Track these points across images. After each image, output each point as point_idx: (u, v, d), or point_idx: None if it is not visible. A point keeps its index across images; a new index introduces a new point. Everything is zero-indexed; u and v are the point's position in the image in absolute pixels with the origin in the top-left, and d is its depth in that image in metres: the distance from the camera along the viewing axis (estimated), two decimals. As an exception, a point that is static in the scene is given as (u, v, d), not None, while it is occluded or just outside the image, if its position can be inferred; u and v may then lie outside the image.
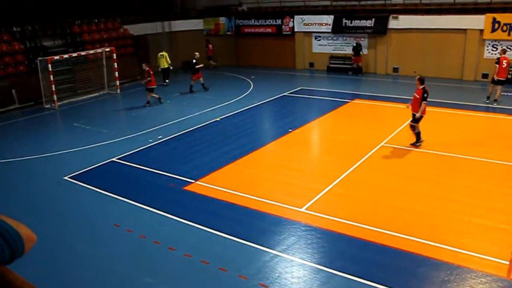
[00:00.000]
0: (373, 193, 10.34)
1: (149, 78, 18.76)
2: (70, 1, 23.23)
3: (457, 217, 9.10)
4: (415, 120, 12.84)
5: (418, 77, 13.08)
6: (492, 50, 21.03)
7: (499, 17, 20.38)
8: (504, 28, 20.32)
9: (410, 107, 12.99)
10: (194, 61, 21.07)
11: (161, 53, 23.70)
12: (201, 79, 21.47)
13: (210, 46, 27.66)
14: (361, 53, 24.11)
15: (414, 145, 12.96)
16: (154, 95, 19.48)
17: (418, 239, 8.26)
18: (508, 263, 7.48)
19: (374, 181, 11.03)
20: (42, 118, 18.93)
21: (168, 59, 23.83)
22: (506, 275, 7.19)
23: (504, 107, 16.67)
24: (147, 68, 18.72)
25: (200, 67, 21.35)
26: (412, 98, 13.06)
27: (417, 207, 9.58)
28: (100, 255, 8.45)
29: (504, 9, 20.67)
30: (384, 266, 7.63)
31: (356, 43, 24.01)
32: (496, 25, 20.49)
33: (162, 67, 23.67)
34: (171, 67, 24.00)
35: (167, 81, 23.95)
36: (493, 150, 12.49)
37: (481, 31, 20.97)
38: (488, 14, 20.62)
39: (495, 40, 20.83)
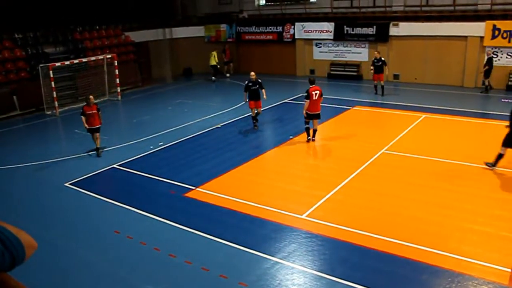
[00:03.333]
0: (374, 200, 10.32)
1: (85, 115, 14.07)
2: (71, 8, 23.33)
3: (459, 224, 9.08)
4: None
5: None
6: (493, 57, 21.03)
7: (499, 24, 20.44)
8: (504, 35, 20.37)
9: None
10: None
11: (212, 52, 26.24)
12: None
13: (228, 51, 27.93)
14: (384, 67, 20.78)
15: None
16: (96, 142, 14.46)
17: (419, 246, 8.23)
18: (510, 270, 7.44)
19: (375, 188, 11.02)
20: (43, 124, 18.96)
21: (217, 58, 26.20)
22: (508, 283, 7.16)
23: (503, 113, 16.65)
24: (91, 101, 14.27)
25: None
26: None
27: (418, 214, 9.56)
28: (100, 261, 8.43)
29: (504, 16, 20.73)
30: (385, 273, 7.61)
31: (376, 59, 20.60)
32: (496, 32, 20.54)
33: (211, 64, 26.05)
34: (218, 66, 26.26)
35: (228, 75, 26.57)
36: (493, 157, 12.45)
37: (482, 38, 21.02)
38: (488, 21, 20.69)
39: (496, 47, 20.88)
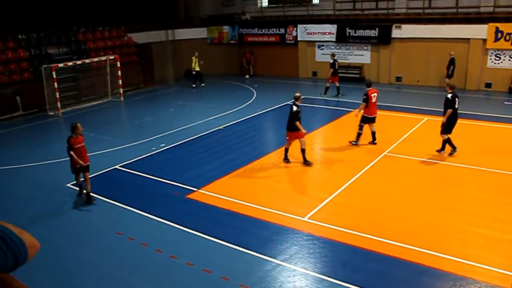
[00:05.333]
0: (376, 203, 10.30)
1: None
2: (75, 9, 23.37)
3: (461, 227, 9.05)
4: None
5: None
6: (495, 59, 21.05)
7: (502, 26, 20.41)
8: (507, 37, 20.34)
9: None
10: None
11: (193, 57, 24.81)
12: None
13: (248, 54, 28.01)
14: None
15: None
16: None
17: (421, 249, 8.21)
18: (512, 274, 7.43)
19: (377, 190, 11.00)
20: (46, 125, 18.99)
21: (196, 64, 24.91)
22: (511, 286, 7.13)
23: (507, 116, 16.63)
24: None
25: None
26: None
27: (420, 216, 9.54)
28: (103, 262, 8.43)
29: (507, 19, 20.69)
30: (387, 276, 7.59)
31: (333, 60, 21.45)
32: (499, 35, 20.52)
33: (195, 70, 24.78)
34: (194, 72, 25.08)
35: (202, 84, 25.02)
36: (497, 160, 12.45)
37: (484, 40, 21.00)
38: (491, 24, 20.66)
39: (498, 50, 20.85)
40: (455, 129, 14.83)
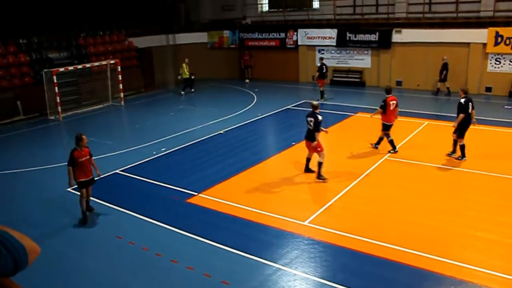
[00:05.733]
0: (376, 207, 10.30)
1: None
2: (76, 14, 23.45)
3: (461, 231, 9.05)
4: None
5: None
6: (496, 63, 21.08)
7: (502, 31, 20.45)
8: (507, 42, 20.38)
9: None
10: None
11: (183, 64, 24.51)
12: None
13: (247, 57, 28.05)
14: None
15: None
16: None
17: (421, 253, 8.21)
18: (512, 278, 7.42)
19: (377, 194, 11.00)
20: (47, 129, 19.02)
21: (187, 70, 24.52)
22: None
23: (507, 120, 16.64)
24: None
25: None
26: None
27: (420, 220, 9.54)
28: (102, 267, 8.42)
29: (507, 23, 20.73)
30: (387, 280, 7.59)
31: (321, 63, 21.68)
32: (499, 39, 20.55)
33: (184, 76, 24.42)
34: (193, 77, 24.89)
35: (192, 90, 24.69)
36: (497, 164, 12.46)
37: (484, 44, 21.04)
38: (491, 28, 20.71)
39: (498, 54, 20.89)
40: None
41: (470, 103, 12.66)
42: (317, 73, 21.46)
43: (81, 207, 10.04)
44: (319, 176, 11.88)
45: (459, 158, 12.83)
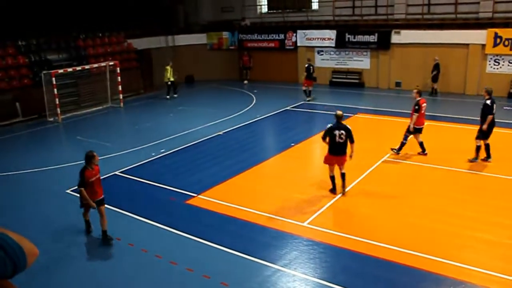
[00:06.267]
0: (375, 208, 10.30)
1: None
2: (74, 15, 23.45)
3: (460, 231, 9.05)
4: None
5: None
6: (494, 64, 21.11)
7: (501, 32, 20.48)
8: (506, 43, 20.41)
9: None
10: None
11: (166, 67, 23.71)
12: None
13: (246, 58, 28.06)
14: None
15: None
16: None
17: (420, 254, 8.21)
18: (511, 278, 7.42)
19: (376, 195, 11.00)
20: (46, 131, 19.00)
21: (171, 74, 23.73)
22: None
23: (507, 121, 16.66)
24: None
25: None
26: None
27: (419, 221, 9.54)
28: (101, 268, 8.42)
29: (506, 24, 20.76)
30: (387, 281, 7.59)
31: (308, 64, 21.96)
32: (498, 40, 20.59)
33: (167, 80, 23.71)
34: (169, 83, 23.82)
35: (175, 95, 24.07)
36: (496, 165, 12.47)
37: (483, 45, 21.07)
38: (490, 29, 20.74)
39: (497, 55, 20.91)
40: (459, 135, 14.84)
41: (494, 104, 12.49)
42: (305, 74, 21.79)
43: (84, 218, 9.51)
44: (344, 189, 10.96)
45: (485, 159, 12.69)
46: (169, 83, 23.67)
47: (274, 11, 29.00)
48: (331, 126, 10.61)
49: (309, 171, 13.47)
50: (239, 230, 9.57)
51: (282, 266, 8.06)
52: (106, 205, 10.39)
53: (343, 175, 10.88)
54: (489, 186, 11.30)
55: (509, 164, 12.49)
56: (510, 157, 13.10)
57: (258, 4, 29.62)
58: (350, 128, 10.64)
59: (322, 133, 10.99)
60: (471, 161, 12.69)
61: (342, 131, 10.49)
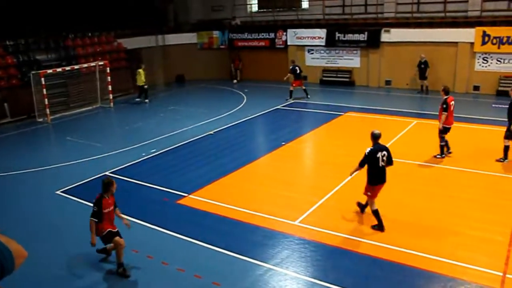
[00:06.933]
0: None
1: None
2: (63, 15, 23.26)
3: (452, 229, 9.11)
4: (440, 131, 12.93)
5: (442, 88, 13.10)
6: (483, 62, 21.28)
7: (489, 30, 20.66)
8: (494, 41, 20.59)
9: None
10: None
11: (138, 70, 22.82)
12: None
13: (237, 60, 28.05)
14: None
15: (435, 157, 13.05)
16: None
17: (412, 251, 8.26)
18: (502, 274, 7.49)
19: (367, 193, 11.04)
20: (35, 132, 18.84)
21: (143, 77, 22.72)
22: (500, 286, 7.20)
23: (495, 119, 16.80)
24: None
25: None
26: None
27: (410, 219, 9.59)
28: (92, 270, 8.35)
29: (493, 23, 20.94)
30: (379, 279, 7.62)
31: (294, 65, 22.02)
32: (486, 38, 20.76)
33: (139, 84, 22.87)
34: (146, 86, 23.00)
35: (146, 100, 23.06)
36: (486, 162, 12.56)
37: (472, 44, 21.24)
38: (478, 28, 20.90)
39: (486, 53, 21.09)
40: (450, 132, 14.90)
41: None
42: (291, 75, 21.88)
43: (119, 259, 8.10)
44: (362, 208, 9.87)
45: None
46: (145, 86, 22.81)
47: (264, 10, 29.00)
48: (371, 149, 9.01)
49: (300, 170, 13.51)
50: (230, 229, 9.55)
51: (274, 265, 8.06)
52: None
53: (375, 213, 9.12)
54: (480, 183, 11.38)
55: (492, 162, 12.59)
56: (499, 155, 13.20)
57: (248, 3, 29.60)
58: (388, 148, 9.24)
59: (355, 166, 9.34)
60: (498, 160, 12.60)
61: (384, 152, 9.07)
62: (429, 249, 8.27)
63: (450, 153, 13.15)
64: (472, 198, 10.53)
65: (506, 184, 11.32)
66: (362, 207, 9.79)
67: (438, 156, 13.01)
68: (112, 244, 8.14)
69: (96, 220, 7.95)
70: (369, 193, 9.13)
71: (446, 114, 12.60)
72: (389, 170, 12.38)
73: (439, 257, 8.03)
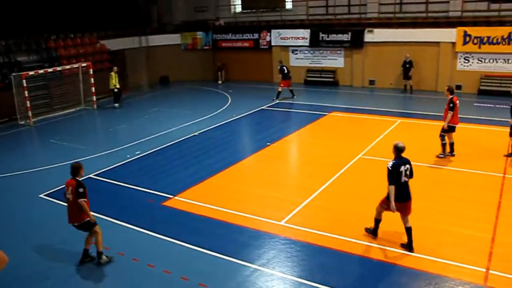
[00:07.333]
0: (352, 205, 10.41)
1: None
2: (45, 16, 22.98)
3: (435, 226, 9.21)
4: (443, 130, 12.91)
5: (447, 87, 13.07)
6: (464, 62, 21.58)
7: (470, 30, 20.96)
8: (475, 41, 20.90)
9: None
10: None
11: (111, 73, 22.16)
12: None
13: (222, 65, 28.11)
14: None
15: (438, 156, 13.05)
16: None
17: (396, 250, 8.34)
18: (485, 270, 7.60)
19: (352, 192, 11.12)
20: (17, 134, 18.57)
21: (116, 81, 22.06)
22: (483, 282, 7.30)
23: (477, 117, 17.04)
24: None
25: None
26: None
27: (394, 217, 9.64)
28: (77, 273, 8.26)
29: (474, 23, 21.26)
30: (364, 277, 7.67)
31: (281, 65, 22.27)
32: (467, 38, 21.06)
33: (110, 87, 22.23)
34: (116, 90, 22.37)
35: (116, 105, 22.40)
36: (467, 160, 12.73)
37: (454, 44, 21.52)
38: (459, 28, 21.19)
39: (467, 53, 21.39)
40: (425, 131, 15.10)
41: None
42: (280, 75, 22.06)
43: (99, 248, 8.38)
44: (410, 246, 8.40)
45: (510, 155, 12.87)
46: (116, 90, 22.21)
47: (248, 10, 29.02)
48: (394, 163, 8.18)
49: (285, 170, 13.53)
50: (216, 230, 9.53)
51: (260, 266, 8.07)
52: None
53: (408, 230, 8.37)
54: (462, 180, 11.53)
55: (481, 160, 12.76)
56: (481, 153, 13.38)
57: (232, 3, 29.60)
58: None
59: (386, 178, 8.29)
60: (507, 156, 12.83)
61: (407, 166, 8.28)
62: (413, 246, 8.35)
63: (453, 155, 13.01)
64: (453, 195, 10.66)
65: (486, 181, 11.47)
66: (373, 231, 8.89)
67: (441, 156, 13.00)
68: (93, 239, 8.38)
69: (86, 200, 8.13)
70: (384, 206, 8.44)
71: (452, 113, 12.55)
72: (372, 168, 12.57)
73: (423, 255, 8.11)
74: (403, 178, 8.18)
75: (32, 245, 9.30)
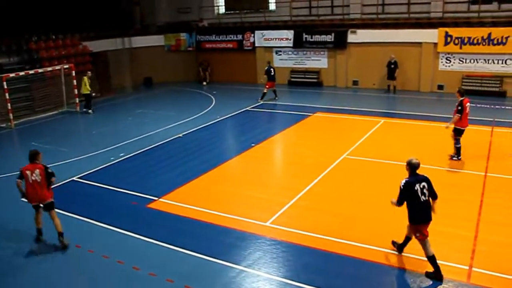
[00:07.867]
0: (336, 205, 10.46)
1: None
2: (26, 17, 22.68)
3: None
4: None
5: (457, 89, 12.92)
6: (446, 62, 21.86)
7: (451, 31, 21.24)
8: (456, 41, 21.19)
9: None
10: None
11: (83, 77, 21.32)
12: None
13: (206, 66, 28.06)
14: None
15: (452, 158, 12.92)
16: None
17: (383, 249, 8.40)
18: (468, 268, 7.70)
19: (337, 192, 11.18)
20: (-2, 137, 18.31)
21: (88, 85, 21.22)
22: (466, 280, 7.40)
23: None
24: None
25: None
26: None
27: (379, 217, 9.75)
28: (62, 277, 8.18)
29: (455, 24, 21.54)
30: (350, 276, 7.72)
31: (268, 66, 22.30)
32: (449, 39, 21.34)
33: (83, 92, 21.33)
34: (93, 94, 22.06)
35: (90, 110, 21.49)
36: (449, 159, 12.89)
37: (435, 44, 21.78)
38: (440, 28, 21.46)
39: (449, 53, 21.67)
40: (408, 130, 15.24)
41: None
42: (265, 76, 22.18)
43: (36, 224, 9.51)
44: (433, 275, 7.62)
45: None
46: (92, 94, 21.77)
47: (232, 11, 29.01)
48: (407, 181, 7.64)
49: (270, 170, 13.55)
50: (201, 232, 9.50)
51: (246, 267, 8.06)
52: (64, 211, 10.12)
53: (431, 259, 7.58)
54: (446, 180, 11.63)
55: (465, 159, 12.91)
56: (464, 152, 13.55)
57: (215, 4, 29.55)
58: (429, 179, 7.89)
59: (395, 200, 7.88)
60: None
61: (424, 184, 7.71)
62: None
63: (459, 159, 12.81)
64: (438, 195, 10.74)
65: (468, 179, 11.63)
66: (399, 247, 8.28)
67: (454, 158, 12.82)
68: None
69: (20, 180, 9.47)
70: (417, 235, 7.63)
71: (460, 116, 12.36)
72: (357, 168, 12.65)
73: (407, 254, 8.19)
74: (421, 198, 7.54)
75: (14, 249, 9.14)
